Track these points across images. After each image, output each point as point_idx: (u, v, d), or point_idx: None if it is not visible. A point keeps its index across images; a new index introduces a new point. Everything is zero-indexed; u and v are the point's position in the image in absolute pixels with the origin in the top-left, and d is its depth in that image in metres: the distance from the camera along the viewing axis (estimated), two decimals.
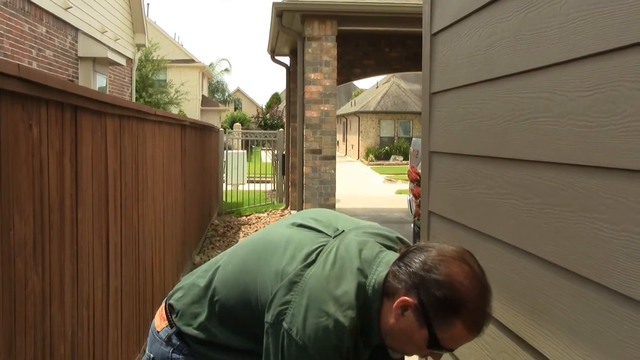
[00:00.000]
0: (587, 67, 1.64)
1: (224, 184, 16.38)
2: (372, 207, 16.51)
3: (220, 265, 2.12)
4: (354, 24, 11.53)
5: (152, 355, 2.16)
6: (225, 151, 16.58)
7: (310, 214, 2.13)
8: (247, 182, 18.64)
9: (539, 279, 1.88)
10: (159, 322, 2.19)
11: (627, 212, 1.46)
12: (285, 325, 1.79)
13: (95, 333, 3.77)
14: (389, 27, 11.86)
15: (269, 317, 1.84)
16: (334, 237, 1.96)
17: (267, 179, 19.17)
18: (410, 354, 1.89)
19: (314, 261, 1.88)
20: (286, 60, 16.09)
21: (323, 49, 10.85)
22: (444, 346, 1.76)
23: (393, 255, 1.89)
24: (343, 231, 1.99)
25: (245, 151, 19.69)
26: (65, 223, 3.21)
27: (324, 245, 1.93)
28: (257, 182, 17.89)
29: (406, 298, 1.75)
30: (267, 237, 2.08)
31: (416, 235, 8.10)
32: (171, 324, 2.13)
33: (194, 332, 2.07)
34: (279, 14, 11.12)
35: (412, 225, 8.94)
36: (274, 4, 11.09)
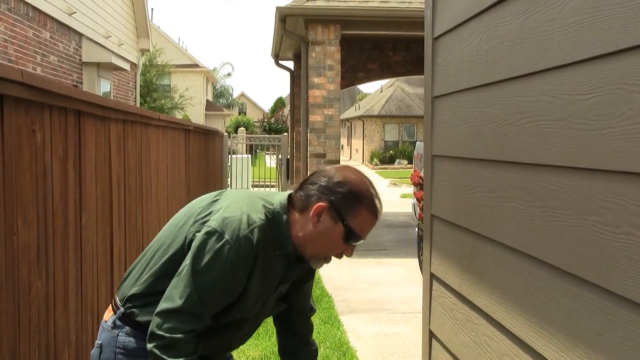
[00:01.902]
0: (586, 70, 1.64)
1: (229, 188, 16.38)
2: None
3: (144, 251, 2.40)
4: (357, 28, 11.53)
5: (100, 342, 2.31)
6: (229, 155, 16.59)
7: None
8: (252, 186, 18.66)
9: (540, 282, 1.89)
10: (107, 315, 2.36)
11: (626, 215, 1.46)
12: (206, 224, 2.14)
13: None
14: (393, 31, 11.87)
15: (193, 229, 2.18)
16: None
17: (272, 183, 19.19)
18: (329, 254, 2.24)
19: (219, 198, 2.30)
20: (290, 64, 16.11)
21: (327, 53, 10.86)
22: (357, 233, 2.17)
23: (286, 193, 2.31)
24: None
25: (249, 155, 19.72)
26: (69, 228, 3.22)
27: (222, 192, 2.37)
28: (262, 186, 17.90)
29: (319, 204, 2.16)
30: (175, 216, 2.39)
31: (420, 240, 8.09)
32: (114, 310, 2.31)
33: (133, 291, 2.27)
34: (283, 18, 11.12)
35: (417, 229, 8.94)
36: (277, 8, 11.10)
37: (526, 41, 1.97)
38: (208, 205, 2.26)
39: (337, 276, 8.70)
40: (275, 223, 2.20)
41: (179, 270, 2.11)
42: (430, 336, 3.01)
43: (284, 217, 2.22)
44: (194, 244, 2.11)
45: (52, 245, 2.98)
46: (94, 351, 2.31)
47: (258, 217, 2.16)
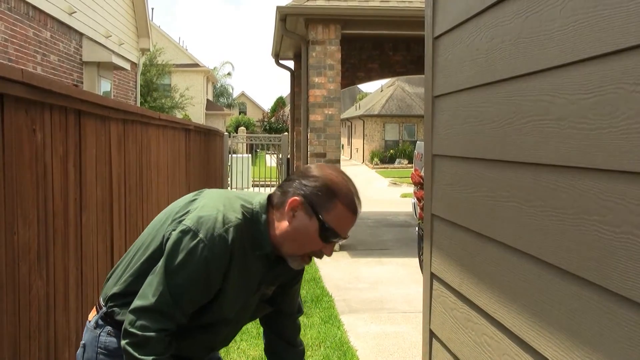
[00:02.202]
0: (587, 69, 1.64)
1: (229, 188, 16.39)
2: (377, 210, 16.51)
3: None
4: (357, 28, 11.53)
5: (83, 342, 2.32)
6: (230, 155, 16.59)
7: None
8: (252, 185, 18.66)
9: (540, 281, 1.89)
10: (91, 314, 2.37)
11: (627, 214, 1.46)
12: (182, 223, 2.13)
13: None
14: (393, 30, 11.87)
15: (170, 228, 2.16)
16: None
17: (272, 183, 19.18)
18: (306, 252, 2.18)
19: (197, 198, 2.28)
20: (290, 64, 16.11)
21: (327, 53, 10.86)
22: (333, 228, 2.12)
23: (266, 193, 2.31)
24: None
25: (250, 155, 19.71)
26: (69, 227, 3.22)
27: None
28: (262, 185, 17.89)
29: (294, 198, 2.14)
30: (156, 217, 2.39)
31: (421, 239, 8.10)
32: (97, 310, 2.32)
33: (114, 290, 2.27)
34: (283, 18, 11.13)
35: (417, 228, 8.95)
36: (278, 8, 11.10)
37: (527, 40, 1.97)
38: (186, 204, 2.26)
39: (337, 276, 8.70)
40: (253, 222, 2.19)
41: (154, 269, 2.12)
42: (431, 336, 3.01)
43: (263, 216, 2.20)
44: (169, 243, 2.11)
45: (52, 244, 2.98)
46: (79, 351, 2.32)
47: (235, 216, 2.14)
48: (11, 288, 2.52)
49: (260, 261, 2.22)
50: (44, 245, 2.87)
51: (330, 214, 2.12)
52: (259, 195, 2.29)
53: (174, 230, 2.14)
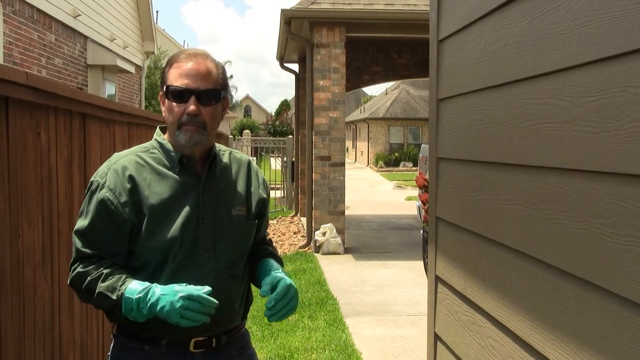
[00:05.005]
0: (592, 72, 1.64)
1: None
2: (381, 213, 16.50)
3: None
4: (362, 31, 11.54)
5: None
6: None
7: None
8: None
9: (544, 284, 1.88)
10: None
11: (631, 217, 1.46)
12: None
13: (104, 341, 3.78)
14: (398, 33, 11.87)
15: None
16: None
17: (277, 186, 19.18)
18: (175, 120, 2.21)
19: None
20: (295, 67, 16.10)
21: (332, 56, 10.86)
22: (172, 84, 2.19)
23: None
24: None
25: (254, 158, 19.69)
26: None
27: None
28: None
29: (159, 94, 2.28)
30: None
31: (425, 242, 8.09)
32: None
33: None
34: (288, 21, 11.13)
35: (422, 231, 8.94)
36: (282, 11, 11.11)
37: (531, 43, 1.97)
38: None
39: (342, 279, 8.70)
40: (156, 148, 2.29)
41: None
42: (435, 339, 3.00)
43: (160, 137, 2.31)
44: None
45: (57, 247, 2.99)
46: None
47: (127, 152, 2.27)
48: (16, 290, 2.52)
49: (185, 177, 2.25)
50: (48, 248, 2.87)
51: (170, 77, 2.21)
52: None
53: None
